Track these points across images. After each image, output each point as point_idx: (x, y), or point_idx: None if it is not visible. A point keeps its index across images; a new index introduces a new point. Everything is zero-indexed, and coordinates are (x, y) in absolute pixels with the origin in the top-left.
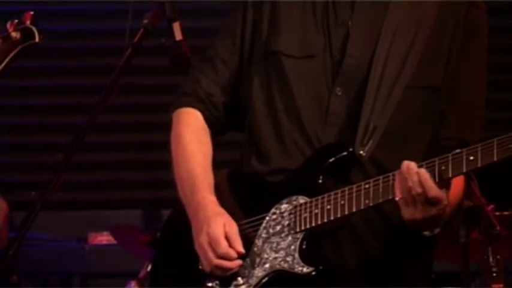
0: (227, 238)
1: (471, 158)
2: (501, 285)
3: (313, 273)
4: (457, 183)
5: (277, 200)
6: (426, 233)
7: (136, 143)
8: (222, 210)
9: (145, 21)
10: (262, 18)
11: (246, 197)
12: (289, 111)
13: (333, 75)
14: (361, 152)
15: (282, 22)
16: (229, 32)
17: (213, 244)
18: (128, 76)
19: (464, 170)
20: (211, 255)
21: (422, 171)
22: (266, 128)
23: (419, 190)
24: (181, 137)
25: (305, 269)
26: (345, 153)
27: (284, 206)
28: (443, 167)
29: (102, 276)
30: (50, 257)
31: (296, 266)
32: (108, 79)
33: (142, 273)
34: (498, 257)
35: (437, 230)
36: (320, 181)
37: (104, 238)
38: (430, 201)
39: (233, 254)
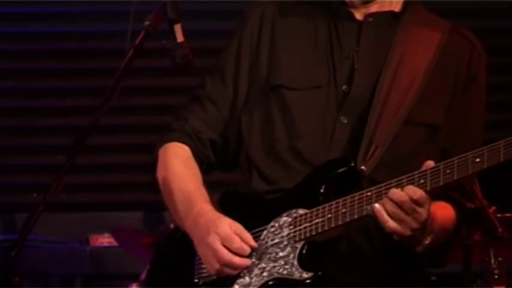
0: (237, 235)
1: (448, 171)
2: (503, 287)
3: (312, 279)
4: (446, 211)
5: (276, 214)
6: (418, 248)
7: (139, 145)
8: (222, 215)
9: (147, 23)
10: (260, 51)
11: (242, 214)
12: (291, 140)
13: (337, 104)
14: (363, 168)
15: (282, 54)
16: (220, 71)
17: (226, 241)
18: (129, 78)
19: (441, 183)
20: (222, 252)
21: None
22: (267, 162)
23: (403, 199)
24: (169, 165)
25: (304, 275)
26: (346, 167)
27: (284, 219)
28: (421, 181)
29: (103, 278)
30: (51, 258)
31: (295, 273)
32: (110, 81)
33: (143, 275)
34: (500, 259)
35: (426, 243)
36: (322, 190)
37: (106, 240)
38: (415, 203)
39: (247, 248)
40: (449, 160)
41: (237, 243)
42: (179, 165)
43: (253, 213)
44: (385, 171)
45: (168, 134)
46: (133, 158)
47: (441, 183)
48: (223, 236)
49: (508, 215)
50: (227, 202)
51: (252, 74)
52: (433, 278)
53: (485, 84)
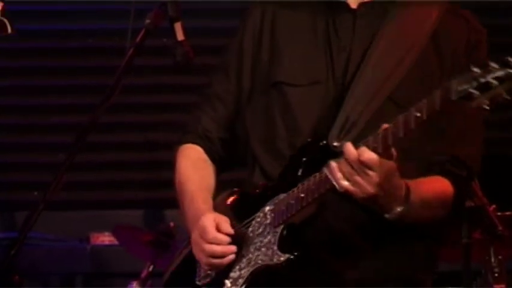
0: (214, 226)
1: (395, 130)
2: (503, 286)
3: (288, 262)
4: (434, 184)
5: (264, 205)
6: (387, 215)
7: (139, 143)
8: (213, 211)
9: (147, 21)
10: (261, 48)
11: (241, 212)
12: (291, 137)
13: (336, 99)
14: (335, 144)
15: (283, 50)
16: (225, 69)
17: (202, 233)
18: (130, 76)
19: (390, 143)
20: (202, 243)
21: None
22: (268, 157)
23: (353, 157)
24: (179, 168)
25: (281, 258)
26: (318, 146)
27: (267, 208)
28: (375, 145)
29: (104, 277)
30: (52, 256)
31: (274, 258)
32: (110, 79)
33: (144, 273)
34: (500, 257)
35: (397, 211)
36: (299, 174)
37: (106, 238)
38: (363, 165)
39: (221, 237)
40: (395, 119)
41: (211, 234)
42: (187, 168)
43: (249, 209)
44: None
45: (183, 136)
46: (133, 156)
47: (390, 143)
48: (200, 229)
49: (508, 213)
50: (231, 200)
51: (255, 71)
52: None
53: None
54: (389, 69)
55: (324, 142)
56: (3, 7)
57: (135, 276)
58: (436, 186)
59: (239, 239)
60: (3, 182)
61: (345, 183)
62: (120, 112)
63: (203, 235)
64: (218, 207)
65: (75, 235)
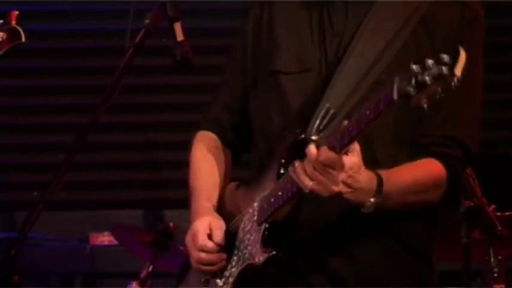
0: (210, 235)
1: (350, 129)
2: (502, 286)
3: (267, 260)
4: (418, 169)
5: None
6: (362, 209)
7: (139, 143)
8: (211, 213)
9: (147, 21)
10: (261, 41)
11: (237, 206)
12: (285, 126)
13: (326, 87)
14: (313, 137)
15: (280, 40)
16: (234, 58)
17: (193, 238)
18: (129, 76)
19: (346, 142)
20: (191, 249)
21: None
22: (265, 146)
23: (312, 158)
24: (192, 160)
25: (261, 258)
26: (295, 141)
27: (255, 204)
28: (335, 143)
29: (103, 277)
30: (51, 257)
31: (256, 257)
32: (109, 79)
33: (143, 274)
34: (499, 257)
35: (371, 203)
36: (281, 171)
37: (106, 238)
38: (324, 164)
39: (210, 245)
40: (351, 118)
41: (199, 241)
42: (198, 161)
43: (247, 201)
44: None
45: (201, 122)
46: (133, 156)
47: (346, 142)
48: (192, 232)
49: (507, 213)
50: (234, 193)
51: (257, 65)
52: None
53: (480, 39)
54: (375, 54)
55: (303, 136)
56: (17, 16)
57: (134, 276)
58: (419, 170)
59: (232, 237)
60: (3, 182)
61: (309, 183)
62: (119, 112)
63: (194, 240)
64: (228, 198)
65: (75, 235)
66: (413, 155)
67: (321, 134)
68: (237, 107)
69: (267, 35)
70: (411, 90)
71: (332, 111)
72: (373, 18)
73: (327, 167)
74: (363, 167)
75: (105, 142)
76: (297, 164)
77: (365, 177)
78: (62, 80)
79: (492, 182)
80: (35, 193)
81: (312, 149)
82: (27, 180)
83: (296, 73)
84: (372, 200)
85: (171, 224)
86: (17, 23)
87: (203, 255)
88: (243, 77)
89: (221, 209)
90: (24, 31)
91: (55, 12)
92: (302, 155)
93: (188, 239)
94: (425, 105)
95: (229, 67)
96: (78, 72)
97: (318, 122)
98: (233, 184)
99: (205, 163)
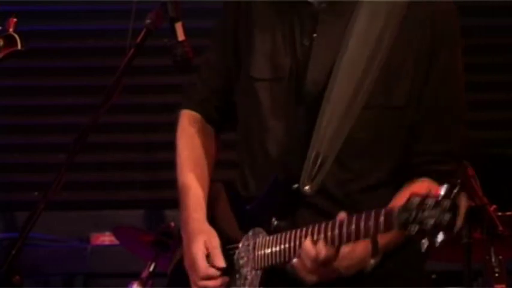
0: (208, 255)
1: (352, 237)
2: (503, 286)
3: None
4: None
5: (249, 227)
6: (365, 271)
7: (139, 143)
8: (204, 228)
9: (148, 21)
10: (240, 45)
11: (237, 212)
12: (261, 134)
13: (296, 96)
14: (306, 188)
15: (256, 45)
16: (215, 39)
17: (193, 267)
18: (130, 76)
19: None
20: (194, 278)
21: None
22: (244, 154)
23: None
24: (178, 142)
25: None
26: (289, 192)
27: (251, 240)
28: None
29: (104, 277)
30: (52, 257)
31: None
32: (110, 79)
33: (144, 274)
34: (500, 257)
35: (371, 263)
36: (275, 222)
37: (107, 238)
38: (325, 261)
39: (213, 272)
40: (350, 221)
41: (202, 271)
42: (184, 149)
43: (240, 217)
44: (337, 177)
45: (184, 100)
46: (133, 156)
47: (344, 242)
48: (192, 261)
49: (508, 213)
50: (224, 202)
51: (238, 65)
52: (434, 276)
53: (458, 44)
54: (360, 75)
55: (296, 186)
56: (15, 23)
57: (135, 276)
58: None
59: (229, 258)
60: (3, 182)
61: (312, 278)
62: (120, 112)
63: (195, 269)
64: (216, 198)
65: (75, 235)
66: (404, 174)
67: (313, 183)
68: (221, 87)
69: (246, 40)
70: (411, 230)
71: (322, 156)
72: (351, 37)
73: (326, 262)
74: (355, 249)
75: (106, 142)
76: (296, 263)
77: (359, 255)
78: (62, 80)
79: (493, 182)
80: (36, 193)
81: (309, 247)
82: (28, 180)
83: (268, 80)
84: (372, 262)
85: (172, 224)
86: (15, 31)
87: (209, 283)
88: (225, 58)
89: (209, 209)
90: (21, 38)
91: (55, 12)
92: (294, 205)
93: (187, 264)
94: (413, 234)
95: (211, 46)
96: (79, 72)
97: (309, 168)
98: (219, 186)
99: (190, 153)
